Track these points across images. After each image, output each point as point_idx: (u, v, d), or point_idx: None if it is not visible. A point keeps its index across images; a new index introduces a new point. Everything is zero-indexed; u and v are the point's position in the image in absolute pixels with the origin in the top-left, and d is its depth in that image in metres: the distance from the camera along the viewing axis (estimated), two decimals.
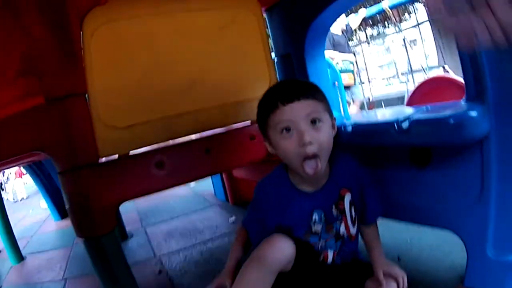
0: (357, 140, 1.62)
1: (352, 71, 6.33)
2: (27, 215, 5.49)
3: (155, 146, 1.79)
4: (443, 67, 6.66)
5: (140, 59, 1.71)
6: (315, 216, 1.48)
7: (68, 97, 1.56)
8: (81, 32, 1.58)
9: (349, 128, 1.70)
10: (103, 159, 1.65)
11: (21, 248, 3.20)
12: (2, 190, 9.56)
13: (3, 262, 3.20)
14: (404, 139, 1.45)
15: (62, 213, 4.41)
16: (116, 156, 1.67)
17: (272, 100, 1.41)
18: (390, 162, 1.50)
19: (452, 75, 3.91)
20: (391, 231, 2.06)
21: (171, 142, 1.84)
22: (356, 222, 1.53)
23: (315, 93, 1.43)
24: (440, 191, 1.46)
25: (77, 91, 1.58)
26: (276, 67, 2.11)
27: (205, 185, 4.11)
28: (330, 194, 1.50)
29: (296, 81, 1.60)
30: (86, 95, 1.60)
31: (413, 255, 1.66)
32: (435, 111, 1.39)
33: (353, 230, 1.53)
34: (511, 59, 1.21)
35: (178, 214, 3.50)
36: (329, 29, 2.14)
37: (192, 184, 4.45)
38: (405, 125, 1.44)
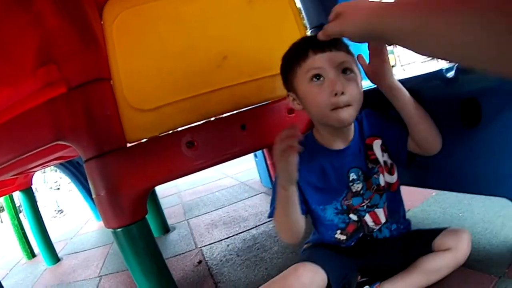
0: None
1: (392, 52, 6.19)
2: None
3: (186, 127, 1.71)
4: None
5: (167, 40, 1.66)
6: (353, 175, 1.46)
7: (90, 82, 1.51)
8: (101, 19, 1.56)
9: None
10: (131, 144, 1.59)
11: (58, 250, 3.23)
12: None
13: (38, 264, 3.23)
14: (451, 90, 1.34)
15: None
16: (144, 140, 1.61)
17: (303, 49, 1.36)
18: (438, 125, 1.37)
19: None
20: (441, 205, 2.03)
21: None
22: (395, 170, 1.51)
23: (346, 47, 1.38)
24: (493, 154, 1.35)
25: (100, 76, 1.53)
26: None
27: (251, 174, 4.14)
28: (360, 146, 1.49)
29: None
30: (110, 81, 1.56)
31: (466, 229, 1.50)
32: None
33: (392, 178, 1.51)
34: None
35: (222, 205, 3.47)
36: None
37: (239, 174, 4.47)
38: (450, 74, 1.32)
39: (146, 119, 1.58)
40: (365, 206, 1.47)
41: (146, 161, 1.59)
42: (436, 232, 1.41)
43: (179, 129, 1.70)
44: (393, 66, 5.85)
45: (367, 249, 1.49)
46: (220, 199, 3.71)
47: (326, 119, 1.34)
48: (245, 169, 4.69)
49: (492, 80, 1.20)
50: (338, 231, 1.50)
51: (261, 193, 3.51)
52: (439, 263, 1.35)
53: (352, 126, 1.48)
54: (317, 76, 1.32)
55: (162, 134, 1.64)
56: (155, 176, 1.62)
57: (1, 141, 1.80)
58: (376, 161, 1.48)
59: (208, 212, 3.32)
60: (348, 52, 1.36)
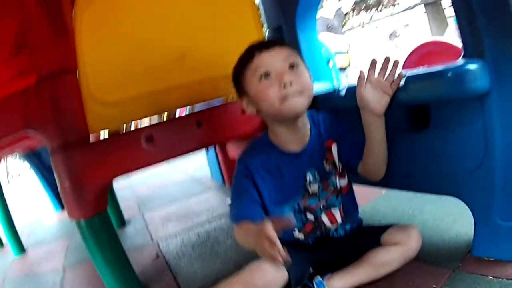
0: (353, 103, 1.52)
1: (347, 52, 6.34)
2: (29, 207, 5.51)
3: (146, 120, 1.79)
4: None
5: (130, 34, 1.69)
6: (309, 177, 1.51)
7: (58, 73, 1.54)
8: (73, 8, 1.56)
9: (343, 92, 1.68)
10: (93, 135, 1.62)
11: (23, 241, 3.21)
12: None
13: (6, 255, 3.22)
14: (401, 97, 1.39)
15: (63, 204, 4.32)
16: (106, 132, 1.67)
17: (249, 51, 1.43)
18: (388, 127, 1.44)
19: (450, 40, 3.93)
20: (392, 202, 2.11)
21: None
22: (345, 174, 1.57)
23: (289, 44, 1.47)
24: (441, 155, 1.44)
25: (68, 66, 1.56)
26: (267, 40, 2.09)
27: (202, 170, 4.18)
28: (318, 149, 1.53)
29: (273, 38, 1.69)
30: (77, 72, 1.58)
31: (417, 226, 1.58)
32: (432, 68, 1.37)
33: (343, 182, 1.57)
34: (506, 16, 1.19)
35: (175, 199, 3.53)
36: (319, 2, 2.15)
37: (190, 169, 4.55)
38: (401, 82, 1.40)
39: (108, 111, 1.61)
40: (321, 206, 1.53)
41: (109, 154, 1.63)
42: (384, 227, 1.47)
43: (140, 126, 1.77)
44: (347, 67, 6.00)
45: (322, 246, 1.55)
46: (173, 193, 3.78)
47: (279, 112, 1.39)
48: (194, 163, 4.77)
49: (440, 89, 1.31)
50: (296, 230, 1.55)
51: (212, 188, 3.60)
52: (387, 257, 1.41)
53: (308, 126, 1.53)
54: (266, 75, 1.37)
55: (124, 130, 1.72)
56: (117, 168, 1.66)
57: None
58: (334, 164, 1.54)
59: (162, 206, 3.38)
60: (293, 48, 1.46)
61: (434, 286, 1.33)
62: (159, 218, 3.04)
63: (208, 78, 1.85)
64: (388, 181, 1.61)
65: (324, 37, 5.44)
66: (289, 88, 1.34)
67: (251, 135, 2.01)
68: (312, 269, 1.49)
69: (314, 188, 1.52)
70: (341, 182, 1.57)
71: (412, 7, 13.45)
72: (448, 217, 1.76)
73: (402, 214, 1.92)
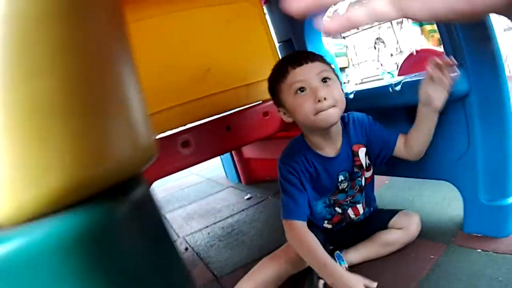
0: (360, 105, 1.75)
1: (346, 54, 6.45)
2: None
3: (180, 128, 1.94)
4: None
5: (155, 56, 1.86)
6: (341, 177, 1.60)
7: None
8: None
9: (351, 96, 1.85)
10: None
11: None
12: None
13: None
14: (399, 100, 1.61)
15: None
16: None
17: (283, 67, 1.49)
18: (389, 123, 1.62)
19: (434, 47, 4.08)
20: (394, 190, 2.25)
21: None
22: (371, 167, 1.67)
23: (321, 57, 1.52)
24: (434, 146, 1.57)
25: None
26: (279, 51, 2.28)
27: (216, 171, 4.18)
28: (348, 152, 1.60)
29: (301, 50, 1.68)
30: None
31: (415, 210, 1.76)
32: (423, 75, 1.49)
33: (368, 173, 1.67)
34: (482, 31, 1.36)
35: (194, 199, 3.50)
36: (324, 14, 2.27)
37: (203, 171, 4.52)
38: (398, 87, 1.59)
39: None
40: (348, 202, 1.65)
41: None
42: (392, 213, 1.66)
43: (175, 130, 1.94)
44: (346, 68, 6.16)
45: (343, 228, 1.70)
46: (191, 195, 3.73)
47: (313, 123, 1.45)
48: (207, 166, 4.66)
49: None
50: (326, 221, 1.67)
51: (229, 187, 3.56)
52: (392, 238, 1.62)
53: (340, 133, 1.59)
54: (301, 89, 1.44)
55: (159, 136, 1.87)
56: (158, 171, 1.83)
57: None
58: (361, 166, 1.62)
59: (182, 207, 3.36)
60: (323, 61, 1.51)
61: (432, 257, 1.51)
62: (181, 217, 3.04)
63: (229, 90, 2.04)
64: (392, 170, 1.78)
65: (325, 41, 5.57)
66: (323, 102, 1.40)
67: (272, 135, 2.20)
68: (331, 246, 1.68)
69: (344, 185, 1.62)
70: (366, 175, 1.67)
71: None
72: (444, 201, 1.93)
73: (403, 200, 2.07)
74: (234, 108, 2.15)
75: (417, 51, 3.02)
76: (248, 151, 3.19)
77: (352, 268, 1.60)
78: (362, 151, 1.63)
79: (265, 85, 1.58)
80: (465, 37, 1.39)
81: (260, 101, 2.20)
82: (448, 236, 1.63)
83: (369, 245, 1.66)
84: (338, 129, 1.59)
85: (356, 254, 1.65)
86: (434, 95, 1.40)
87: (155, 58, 1.86)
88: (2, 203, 0.32)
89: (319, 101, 1.40)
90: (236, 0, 2.12)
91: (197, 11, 2.01)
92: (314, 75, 1.44)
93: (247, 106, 2.19)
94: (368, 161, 1.65)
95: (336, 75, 1.54)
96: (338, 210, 1.66)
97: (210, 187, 3.83)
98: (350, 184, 1.64)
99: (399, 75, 3.24)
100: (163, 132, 1.92)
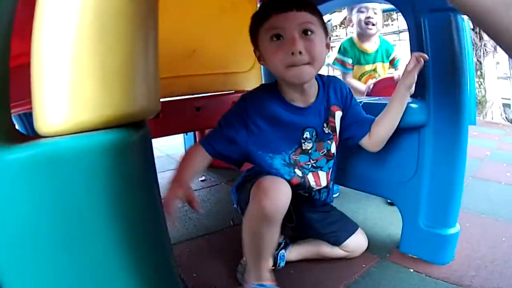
0: None
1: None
2: None
3: None
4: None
5: None
6: (307, 134, 1.49)
7: None
8: None
9: None
10: None
11: None
12: None
13: None
14: None
15: None
16: None
17: (266, 9, 1.38)
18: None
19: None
20: (342, 200, 2.31)
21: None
22: (339, 146, 1.58)
23: (310, 6, 1.39)
24: (385, 166, 1.67)
25: None
26: None
27: (177, 149, 4.21)
28: (322, 110, 1.51)
29: None
30: None
31: (358, 221, 1.76)
32: (384, 100, 1.59)
33: (334, 150, 1.57)
34: (449, 68, 1.46)
35: None
36: None
37: (164, 147, 4.53)
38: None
39: None
40: (310, 166, 1.53)
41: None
42: (349, 233, 1.62)
43: None
44: None
45: (302, 225, 1.63)
46: None
47: (283, 76, 1.37)
48: (169, 143, 4.66)
49: None
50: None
51: None
52: (335, 254, 1.63)
53: (315, 87, 1.51)
54: (277, 36, 1.33)
55: None
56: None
57: None
58: (334, 129, 1.54)
59: None
60: (312, 12, 1.38)
61: (364, 265, 1.58)
62: None
63: (209, 74, 2.12)
64: (346, 182, 1.86)
65: None
66: (298, 56, 1.30)
67: None
68: (284, 239, 1.65)
69: (308, 146, 1.51)
70: (333, 149, 1.56)
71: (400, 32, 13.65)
72: (386, 218, 2.01)
73: (348, 211, 1.97)
74: (209, 92, 2.22)
75: (385, 78, 3.13)
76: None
77: (287, 264, 1.62)
78: (338, 115, 1.56)
79: (242, 77, 1.64)
80: (434, 74, 1.49)
81: (233, 91, 2.27)
82: (383, 251, 1.69)
83: (311, 249, 1.67)
84: (312, 83, 1.50)
85: (296, 253, 1.66)
86: (415, 78, 1.44)
87: None
88: (64, 118, 0.49)
89: (292, 53, 1.31)
90: None
91: None
92: (295, 24, 1.33)
93: (221, 92, 2.26)
94: (339, 132, 1.58)
95: (326, 30, 1.44)
96: (298, 172, 1.53)
97: (169, 163, 3.81)
98: (316, 146, 1.53)
99: (366, 95, 3.34)
100: None
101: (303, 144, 1.51)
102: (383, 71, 2.82)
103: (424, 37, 1.49)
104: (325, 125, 1.53)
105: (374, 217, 2.07)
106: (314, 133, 1.51)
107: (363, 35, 2.70)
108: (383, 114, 1.51)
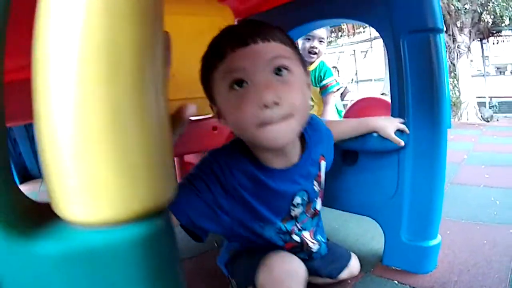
0: None
1: None
2: None
3: None
4: (383, 94, 7.26)
5: None
6: (297, 199, 1.22)
7: None
8: None
9: None
10: None
11: None
12: None
13: None
14: (338, 143, 1.58)
15: (22, 178, 4.37)
16: None
17: (218, 46, 1.06)
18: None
19: (382, 96, 4.32)
20: (323, 218, 2.34)
21: None
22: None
23: (279, 34, 1.04)
24: (365, 186, 1.68)
25: None
26: None
27: None
28: (310, 167, 1.24)
29: (253, 21, 1.11)
30: None
31: (340, 238, 1.87)
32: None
33: (320, 203, 1.36)
34: (428, 89, 1.47)
35: None
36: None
37: None
38: None
39: None
40: (296, 229, 1.29)
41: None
42: (344, 262, 1.53)
43: None
44: None
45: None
46: None
47: (254, 138, 1.03)
48: None
49: (367, 143, 1.59)
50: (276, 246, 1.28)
51: None
52: (324, 283, 1.53)
53: (298, 143, 1.20)
54: (238, 82, 0.99)
55: None
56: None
57: None
58: (321, 184, 1.31)
59: None
60: (283, 41, 1.04)
61: (349, 281, 1.58)
62: None
63: (188, 98, 2.06)
64: (328, 202, 1.81)
65: None
66: (271, 109, 0.96)
67: None
68: None
69: (297, 212, 1.24)
70: (319, 206, 1.35)
71: (372, 39, 13.78)
72: (367, 234, 2.02)
73: (329, 229, 2.05)
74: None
75: (364, 98, 3.18)
76: (191, 156, 3.22)
77: None
78: (323, 165, 1.31)
79: None
80: (413, 96, 1.51)
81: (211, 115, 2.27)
82: (367, 266, 1.70)
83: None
84: (296, 144, 1.19)
85: None
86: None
87: None
88: (99, 211, 0.48)
89: (265, 106, 0.95)
90: (211, 13, 2.20)
91: (177, 17, 2.09)
92: (263, 62, 0.98)
93: (199, 117, 2.27)
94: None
95: (304, 65, 1.10)
96: (296, 238, 1.30)
97: None
98: (305, 209, 1.26)
99: (344, 117, 3.38)
100: None
101: (291, 211, 1.23)
102: (313, 95, 2.83)
103: (403, 58, 1.50)
104: (315, 183, 1.26)
105: (355, 233, 2.08)
106: (306, 196, 1.23)
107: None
108: (344, 131, 1.51)
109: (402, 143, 1.49)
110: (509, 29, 11.30)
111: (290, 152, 1.17)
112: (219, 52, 1.02)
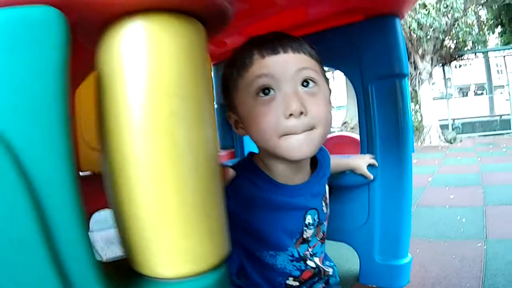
0: None
1: None
2: None
3: None
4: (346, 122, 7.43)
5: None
6: (309, 218, 1.13)
7: None
8: None
9: None
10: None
11: None
12: None
13: None
14: None
15: None
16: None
17: (247, 51, 0.99)
18: None
19: (352, 134, 4.51)
20: None
21: None
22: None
23: (309, 48, 1.01)
24: (339, 216, 1.71)
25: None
26: (215, 113, 2.37)
27: None
28: (319, 186, 1.17)
29: (283, 33, 1.03)
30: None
31: None
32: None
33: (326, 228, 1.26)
34: (394, 127, 1.58)
35: (113, 224, 3.28)
36: None
37: None
38: None
39: (95, 154, 1.67)
40: (309, 255, 1.16)
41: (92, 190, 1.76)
42: None
43: None
44: None
45: None
46: (108, 219, 3.41)
47: (274, 148, 0.96)
48: None
49: (340, 179, 1.65)
50: (291, 278, 1.14)
51: None
52: None
53: (309, 159, 1.12)
54: (266, 90, 0.95)
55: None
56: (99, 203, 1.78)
57: None
58: (327, 206, 1.23)
59: (103, 229, 2.82)
60: (312, 56, 1.00)
61: None
62: (101, 240, 2.60)
63: None
64: None
65: None
66: (296, 119, 0.92)
67: None
68: None
69: (309, 233, 1.14)
70: (326, 230, 1.25)
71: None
72: (343, 257, 2.08)
73: None
74: None
75: (334, 136, 3.27)
76: None
77: None
78: (327, 188, 1.25)
79: None
80: (380, 134, 1.63)
81: None
82: (346, 286, 1.78)
83: None
84: (310, 158, 1.10)
85: None
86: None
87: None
88: (173, 268, 0.59)
89: (290, 115, 0.92)
90: None
91: None
92: (292, 72, 0.94)
93: None
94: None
95: (328, 81, 1.07)
96: (311, 264, 1.17)
97: None
98: (315, 231, 1.16)
99: None
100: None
101: (304, 232, 1.13)
102: None
103: (371, 101, 1.62)
104: (323, 203, 1.19)
105: (332, 256, 1.99)
106: (316, 216, 1.15)
107: None
108: (332, 166, 1.37)
109: (372, 177, 1.59)
110: (472, 52, 11.37)
111: (305, 168, 1.12)
112: (248, 58, 0.97)
